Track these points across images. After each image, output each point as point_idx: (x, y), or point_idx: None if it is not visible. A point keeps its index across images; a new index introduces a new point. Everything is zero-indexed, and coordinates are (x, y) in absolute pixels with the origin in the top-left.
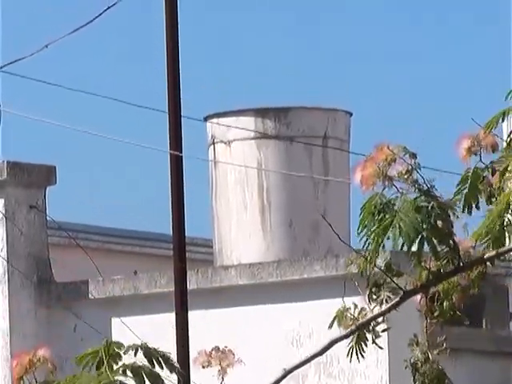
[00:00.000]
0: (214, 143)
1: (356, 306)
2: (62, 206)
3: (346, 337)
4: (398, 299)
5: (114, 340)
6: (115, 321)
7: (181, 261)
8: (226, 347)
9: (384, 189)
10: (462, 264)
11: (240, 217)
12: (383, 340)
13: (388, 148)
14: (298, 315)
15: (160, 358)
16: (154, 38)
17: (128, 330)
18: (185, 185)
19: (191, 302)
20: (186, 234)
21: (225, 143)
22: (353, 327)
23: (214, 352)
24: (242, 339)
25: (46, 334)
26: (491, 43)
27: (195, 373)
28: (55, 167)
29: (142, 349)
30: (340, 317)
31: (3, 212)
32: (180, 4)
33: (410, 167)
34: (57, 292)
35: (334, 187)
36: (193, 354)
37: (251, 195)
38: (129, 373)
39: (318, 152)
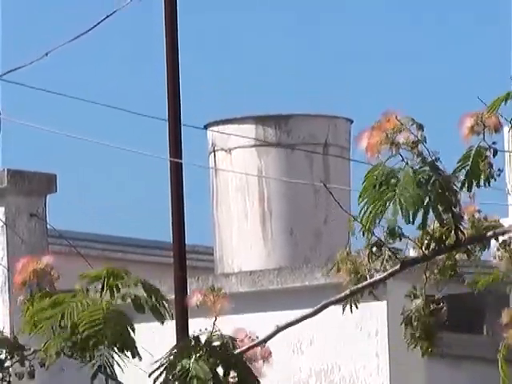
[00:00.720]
0: (214, 151)
1: (359, 253)
2: (63, 214)
3: (340, 300)
4: (396, 268)
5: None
6: None
7: (181, 269)
8: (220, 288)
9: (389, 158)
10: (463, 238)
11: (241, 224)
12: (384, 347)
13: (396, 118)
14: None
15: (158, 294)
16: (154, 45)
17: None
18: (185, 193)
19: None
20: (187, 242)
21: (225, 151)
22: (353, 275)
23: (209, 291)
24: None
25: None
26: (492, 43)
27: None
28: (56, 175)
29: (141, 283)
30: (343, 261)
31: (3, 220)
32: (180, 10)
33: (417, 138)
34: None
35: (335, 194)
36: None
37: (252, 203)
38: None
39: (318, 159)
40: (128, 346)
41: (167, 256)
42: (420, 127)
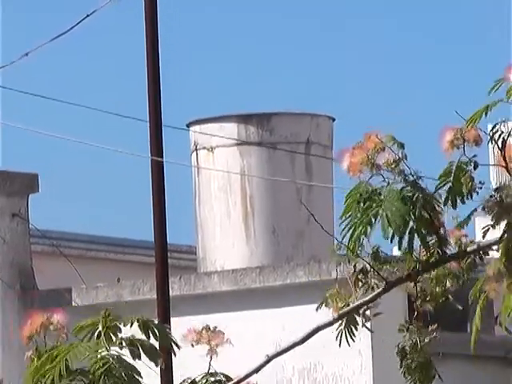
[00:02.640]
0: (196, 150)
1: (347, 290)
2: (45, 214)
3: (330, 324)
4: (382, 289)
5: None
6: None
7: (163, 268)
8: (215, 327)
9: (371, 177)
10: (445, 255)
11: (223, 223)
12: (367, 346)
13: (377, 136)
14: (281, 321)
15: (155, 329)
16: (136, 46)
17: None
18: (168, 192)
19: (174, 308)
20: (170, 241)
21: (208, 150)
22: (342, 311)
23: (203, 331)
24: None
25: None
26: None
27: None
28: (37, 175)
29: (138, 321)
30: (332, 298)
31: None
32: (160, 9)
33: (398, 157)
34: (40, 300)
35: (317, 193)
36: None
37: (234, 202)
38: (125, 345)
39: (301, 158)
40: None
41: (149, 255)
42: (401, 146)
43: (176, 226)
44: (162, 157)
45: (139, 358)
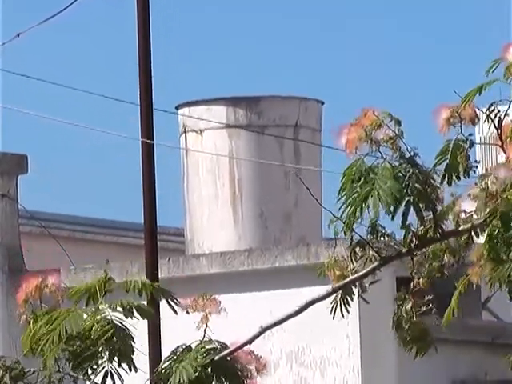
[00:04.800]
0: (185, 132)
1: (345, 258)
2: (34, 195)
3: (325, 297)
4: (378, 263)
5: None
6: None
7: (152, 250)
8: (211, 295)
9: (367, 154)
10: (441, 232)
11: (211, 206)
12: (355, 329)
13: (373, 113)
14: (269, 304)
15: (149, 289)
16: (127, 28)
17: None
18: (157, 174)
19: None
20: (158, 223)
21: (196, 132)
22: (341, 281)
23: (200, 298)
24: (212, 330)
25: (17, 323)
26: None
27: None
28: (26, 156)
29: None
30: (331, 267)
31: None
32: None
33: (395, 134)
34: None
35: (305, 177)
36: (164, 342)
37: (222, 185)
38: (119, 308)
39: (289, 141)
40: (128, 358)
41: (138, 237)
42: (398, 122)
43: (164, 209)
44: (152, 138)
45: (132, 316)
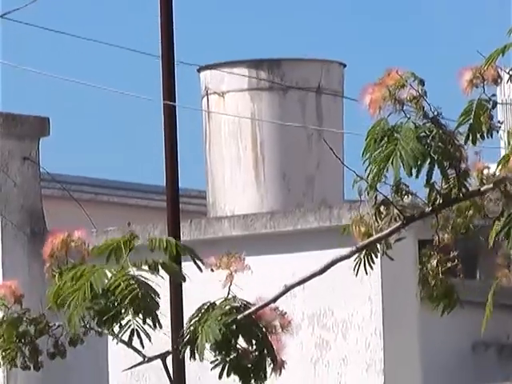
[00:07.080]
0: (207, 94)
1: (370, 216)
2: (56, 157)
3: (349, 256)
4: (401, 222)
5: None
6: None
7: (174, 213)
8: (236, 253)
9: (390, 114)
10: (465, 191)
11: (233, 169)
12: (377, 292)
13: (397, 73)
14: (291, 266)
15: (175, 247)
16: None
17: None
18: (179, 136)
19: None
20: (180, 186)
21: (218, 95)
22: (365, 238)
23: (224, 257)
24: (236, 290)
25: (39, 286)
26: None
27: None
28: (48, 118)
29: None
30: (356, 223)
31: None
32: None
33: (418, 93)
34: None
35: (327, 139)
36: (186, 304)
37: (245, 147)
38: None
39: (311, 104)
40: (152, 314)
41: (160, 200)
42: (421, 82)
43: (186, 171)
44: (174, 100)
45: (157, 274)
